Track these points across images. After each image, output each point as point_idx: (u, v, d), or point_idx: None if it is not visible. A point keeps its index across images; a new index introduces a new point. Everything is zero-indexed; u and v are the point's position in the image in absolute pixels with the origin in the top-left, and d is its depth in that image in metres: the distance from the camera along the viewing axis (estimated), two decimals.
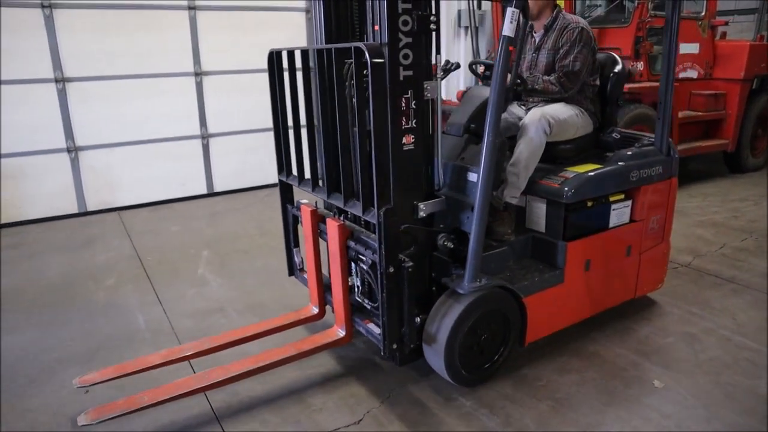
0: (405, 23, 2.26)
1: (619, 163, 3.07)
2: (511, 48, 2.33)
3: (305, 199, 3.09)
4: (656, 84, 5.84)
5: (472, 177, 2.63)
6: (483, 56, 7.69)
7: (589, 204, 2.97)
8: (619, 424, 2.50)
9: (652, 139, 3.28)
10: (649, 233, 3.28)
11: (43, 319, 3.56)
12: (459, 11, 7.59)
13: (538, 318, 2.86)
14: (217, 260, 4.49)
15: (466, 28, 7.62)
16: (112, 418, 2.36)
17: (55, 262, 4.55)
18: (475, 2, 7.36)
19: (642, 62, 5.82)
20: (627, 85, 5.54)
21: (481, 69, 3.05)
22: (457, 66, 2.99)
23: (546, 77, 3.00)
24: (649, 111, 5.66)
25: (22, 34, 5.27)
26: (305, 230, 2.96)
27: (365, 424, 2.53)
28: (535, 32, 3.23)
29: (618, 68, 3.31)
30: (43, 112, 5.53)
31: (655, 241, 3.35)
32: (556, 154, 3.12)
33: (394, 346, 2.55)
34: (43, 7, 5.29)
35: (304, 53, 2.92)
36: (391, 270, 2.43)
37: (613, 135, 3.22)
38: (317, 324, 3.16)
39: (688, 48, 6.24)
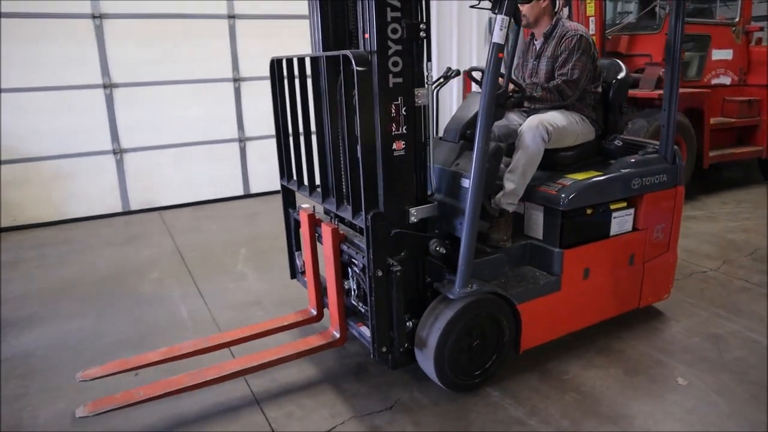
0: (394, 31, 2.26)
1: (621, 171, 3.00)
2: (500, 55, 2.33)
3: (308, 203, 3.11)
4: (687, 90, 5.95)
5: (466, 183, 2.60)
6: (513, 64, 7.77)
7: (589, 211, 2.90)
8: (642, 417, 2.52)
9: (657, 147, 3.20)
10: (653, 242, 3.19)
11: (96, 308, 3.76)
12: (490, 19, 7.49)
13: (534, 325, 2.80)
14: (254, 257, 4.63)
15: None
16: (109, 410, 2.41)
17: (104, 256, 4.76)
18: None
19: None
20: (657, 91, 5.51)
21: (479, 75, 2.99)
22: (457, 73, 3.00)
23: (545, 85, 2.97)
24: (681, 117, 5.55)
25: (75, 42, 5.54)
26: (303, 234, 2.97)
27: (396, 409, 2.61)
28: (536, 40, 3.20)
29: (621, 75, 3.23)
30: (92, 116, 5.78)
31: (660, 250, 3.25)
32: (556, 162, 3.06)
33: (384, 349, 2.54)
34: (93, 17, 5.55)
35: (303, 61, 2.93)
36: (380, 274, 2.42)
37: (615, 142, 3.15)
38: (316, 326, 3.17)
39: (721, 54, 6.12)
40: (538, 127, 2.83)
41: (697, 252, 4.48)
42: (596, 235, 2.97)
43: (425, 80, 2.42)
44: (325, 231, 2.71)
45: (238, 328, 3.07)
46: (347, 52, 2.28)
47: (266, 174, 6.61)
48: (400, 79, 2.33)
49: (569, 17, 5.84)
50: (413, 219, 2.50)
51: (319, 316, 3.08)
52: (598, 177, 2.94)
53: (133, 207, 6.13)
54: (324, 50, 2.69)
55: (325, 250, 2.73)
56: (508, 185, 2.86)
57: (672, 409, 2.58)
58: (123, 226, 5.70)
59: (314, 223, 2.90)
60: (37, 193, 5.71)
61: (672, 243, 3.31)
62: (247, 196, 6.66)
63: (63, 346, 3.27)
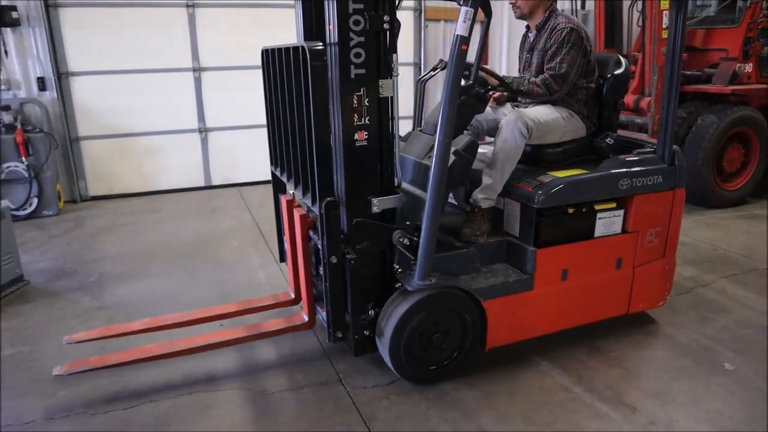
0: (356, 23, 2.23)
1: (608, 170, 2.81)
2: (464, 47, 2.23)
3: None
4: (764, 86, 5.66)
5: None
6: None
7: (570, 211, 2.75)
8: (684, 394, 2.57)
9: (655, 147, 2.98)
10: (645, 247, 2.97)
11: (182, 269, 4.08)
12: (562, 11, 7.46)
13: (502, 323, 2.69)
14: None
15: None
16: (84, 371, 2.54)
17: (189, 225, 5.10)
18: (578, 2, 7.41)
19: (751, 64, 5.44)
20: (732, 87, 5.29)
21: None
22: (445, 66, 2.83)
23: (532, 79, 2.82)
24: (755, 114, 5.36)
25: (170, 29, 5.96)
26: (283, 219, 2.98)
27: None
28: (530, 32, 3.05)
29: (618, 71, 3.03)
30: (181, 97, 6.18)
31: (654, 255, 3.03)
32: (543, 158, 2.92)
33: (339, 335, 2.54)
34: (187, 6, 5.96)
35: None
36: (334, 260, 2.40)
37: (607, 140, 2.96)
38: (295, 308, 3.16)
39: None
40: (516, 122, 2.70)
41: (761, 250, 4.32)
42: (577, 235, 2.80)
43: (391, 72, 2.37)
44: (295, 216, 2.71)
45: (219, 305, 3.14)
46: (303, 43, 2.29)
47: None
48: (362, 71, 2.29)
49: (642, 11, 5.73)
50: (375, 209, 2.46)
51: (297, 299, 3.06)
52: (580, 175, 2.77)
53: (215, 182, 6.50)
54: (306, 40, 2.66)
55: (297, 235, 2.73)
56: (486, 180, 2.77)
57: (715, 389, 2.60)
58: (205, 199, 6.07)
59: (293, 209, 2.87)
60: (130, 166, 6.19)
61: (669, 249, 3.06)
62: None
63: (153, 298, 3.58)
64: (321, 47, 2.29)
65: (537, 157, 2.93)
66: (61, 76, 5.74)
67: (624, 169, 2.82)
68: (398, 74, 2.40)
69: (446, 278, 2.56)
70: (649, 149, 2.98)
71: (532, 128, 2.74)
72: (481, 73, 2.71)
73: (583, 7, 7.38)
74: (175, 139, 6.31)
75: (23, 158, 5.31)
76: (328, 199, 2.36)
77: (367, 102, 2.34)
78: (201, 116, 6.33)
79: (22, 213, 5.30)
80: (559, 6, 7.10)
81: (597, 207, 2.80)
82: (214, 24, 6.14)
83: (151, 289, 3.78)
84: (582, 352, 2.91)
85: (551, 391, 2.61)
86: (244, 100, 6.35)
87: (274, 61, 2.78)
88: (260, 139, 6.50)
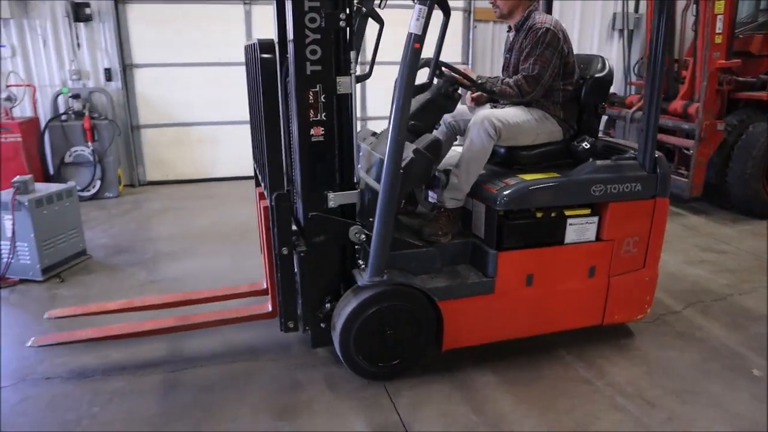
0: (312, 20, 2.24)
1: (580, 175, 2.69)
2: (417, 45, 2.21)
3: None
4: None
5: None
6: (634, 60, 7.45)
7: (539, 215, 2.66)
8: (707, 395, 2.55)
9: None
10: (622, 256, 2.82)
11: (231, 250, 4.28)
12: (614, 14, 7.22)
13: (459, 325, 2.63)
14: None
15: (621, 30, 7.31)
16: (56, 344, 2.74)
17: (239, 211, 5.22)
18: (632, 5, 7.32)
19: None
20: None
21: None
22: (425, 64, 2.74)
23: (506, 80, 2.72)
24: None
25: (229, 25, 6.24)
26: (256, 210, 3.02)
27: (479, 356, 2.80)
28: (511, 32, 2.95)
29: (599, 73, 2.88)
30: (235, 90, 6.27)
31: (633, 266, 2.87)
32: (515, 160, 2.83)
33: (291, 325, 2.54)
34: (244, 3, 6.27)
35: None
36: (284, 252, 2.42)
37: (583, 144, 2.81)
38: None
39: None
40: (483, 123, 2.63)
41: None
42: (545, 240, 2.70)
43: (350, 69, 2.38)
44: (260, 207, 2.74)
45: (194, 291, 3.26)
46: (255, 40, 2.32)
47: None
48: (318, 67, 2.30)
49: (696, 14, 5.64)
50: (331, 204, 2.47)
51: (267, 289, 3.05)
52: (548, 179, 2.67)
53: None
54: (278, 37, 2.67)
55: (261, 226, 2.77)
56: (452, 180, 2.71)
57: (739, 393, 2.56)
58: (254, 187, 6.51)
59: (261, 201, 2.87)
60: (185, 154, 6.51)
61: (650, 260, 2.89)
62: None
63: (202, 275, 3.77)
64: (270, 41, 2.32)
65: (510, 159, 2.84)
66: (126, 67, 6.09)
67: (597, 175, 2.69)
68: (356, 72, 2.41)
69: (401, 276, 2.52)
70: (629, 156, 2.84)
71: (500, 129, 2.65)
72: (452, 73, 2.67)
73: (636, 10, 7.31)
74: (228, 130, 6.54)
75: (89, 143, 5.71)
76: (278, 191, 2.38)
77: (324, 98, 2.36)
78: None
79: (86, 194, 5.68)
80: (612, 8, 7.22)
81: (568, 213, 2.69)
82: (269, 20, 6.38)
83: (201, 267, 4.00)
84: (607, 348, 2.92)
85: (573, 382, 2.66)
86: None
87: (248, 56, 2.83)
88: None
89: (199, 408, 2.48)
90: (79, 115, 5.74)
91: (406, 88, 2.25)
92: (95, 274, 3.87)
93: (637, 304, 2.97)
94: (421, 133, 2.62)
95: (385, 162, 2.29)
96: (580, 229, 2.73)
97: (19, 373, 2.70)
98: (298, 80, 2.31)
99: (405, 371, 2.65)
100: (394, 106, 2.26)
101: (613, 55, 7.44)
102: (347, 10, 2.34)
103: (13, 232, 3.60)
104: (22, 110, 5.79)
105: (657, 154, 2.79)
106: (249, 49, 2.78)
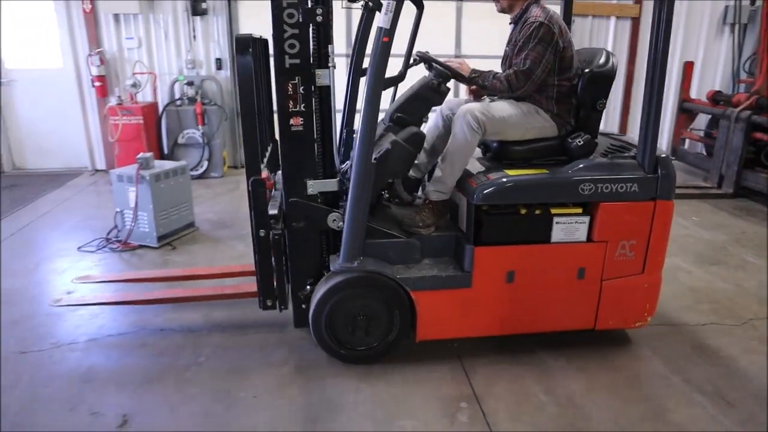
0: (290, 16, 2.32)
1: (567, 173, 2.56)
2: (385, 39, 2.22)
3: None
4: None
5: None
6: (746, 55, 6.88)
7: (523, 211, 2.57)
8: None
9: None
10: (617, 260, 2.64)
11: None
12: (726, 7, 6.74)
13: (434, 317, 2.60)
14: None
15: (732, 24, 6.83)
16: (77, 305, 3.05)
17: None
18: None
19: None
20: None
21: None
22: (420, 62, 2.77)
23: (498, 74, 2.64)
24: None
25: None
26: None
27: (557, 347, 2.83)
28: (510, 24, 2.85)
29: (601, 68, 2.68)
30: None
31: (629, 271, 2.68)
32: (507, 155, 2.73)
33: (269, 303, 2.63)
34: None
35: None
36: (261, 233, 2.51)
37: (577, 141, 2.66)
38: None
39: None
40: (465, 116, 2.56)
41: None
42: (529, 238, 2.59)
43: (328, 62, 2.44)
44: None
45: (209, 267, 3.57)
46: (237, 35, 2.43)
47: None
48: (297, 60, 2.38)
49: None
50: (310, 191, 2.54)
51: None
52: (531, 175, 2.57)
53: None
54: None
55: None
56: (437, 172, 2.67)
57: None
58: None
59: None
60: None
61: (650, 266, 2.68)
62: None
63: None
64: (247, 37, 2.43)
65: (501, 154, 2.75)
66: (235, 57, 6.57)
67: (588, 173, 2.54)
68: (334, 65, 2.45)
69: (374, 263, 2.52)
70: (629, 155, 2.66)
71: (483, 122, 2.57)
72: (440, 67, 2.65)
73: (752, 3, 6.86)
74: None
75: (199, 126, 6.18)
76: (255, 177, 2.47)
77: (302, 90, 2.42)
78: None
79: (194, 173, 6.09)
80: (723, 2, 6.78)
81: (554, 211, 2.57)
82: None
83: None
84: (686, 346, 2.86)
85: (647, 375, 2.63)
86: None
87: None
88: None
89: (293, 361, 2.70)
90: (191, 100, 6.24)
91: (375, 81, 2.27)
92: (201, 245, 4.21)
93: (635, 310, 2.77)
94: (407, 125, 2.64)
95: (356, 152, 2.33)
96: (568, 228, 2.60)
97: (139, 324, 3.05)
98: (278, 72, 2.40)
99: (379, 357, 2.65)
100: (364, 99, 2.29)
101: (722, 51, 6.98)
102: (324, 6, 2.39)
103: (136, 203, 4.01)
104: (144, 96, 6.35)
105: (663, 153, 2.60)
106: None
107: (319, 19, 2.37)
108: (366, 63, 2.63)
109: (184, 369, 2.65)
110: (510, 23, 2.85)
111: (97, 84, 6.16)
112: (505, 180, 2.55)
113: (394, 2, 2.21)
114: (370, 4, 2.65)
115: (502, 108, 2.67)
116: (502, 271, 2.61)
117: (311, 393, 2.49)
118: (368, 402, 2.43)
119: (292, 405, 2.41)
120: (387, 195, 2.96)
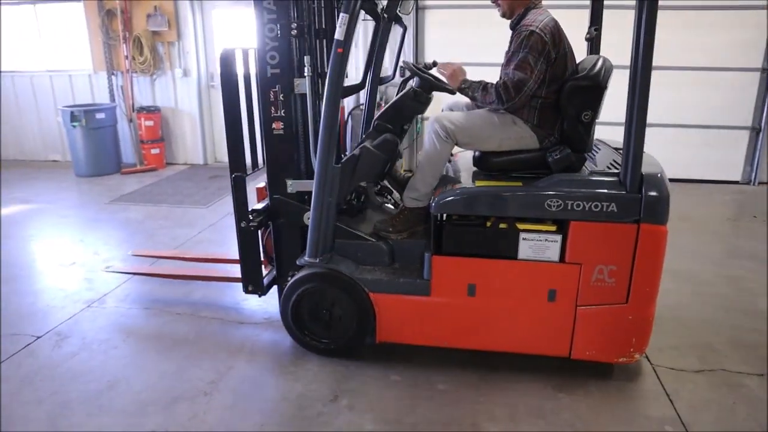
0: (271, 30, 2.50)
1: (536, 186, 2.30)
2: (339, 50, 2.25)
3: None
4: None
5: None
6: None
7: (488, 224, 2.38)
8: None
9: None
10: (593, 285, 2.32)
11: None
12: None
13: (394, 320, 2.55)
14: None
15: None
16: (125, 272, 3.53)
17: None
18: None
19: None
20: None
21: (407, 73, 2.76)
22: (434, 64, 2.78)
23: (488, 84, 2.41)
24: None
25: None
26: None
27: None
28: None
29: (585, 79, 2.35)
30: None
31: (610, 299, 2.33)
32: (486, 166, 2.56)
33: (250, 288, 2.84)
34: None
35: None
36: (243, 225, 2.70)
37: (554, 154, 2.38)
38: None
39: None
40: (433, 125, 2.46)
41: None
42: (492, 252, 2.40)
43: (305, 72, 2.52)
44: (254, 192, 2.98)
45: (213, 252, 3.99)
46: (223, 49, 2.59)
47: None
48: (277, 70, 2.55)
49: None
50: (290, 189, 2.70)
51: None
52: (493, 187, 2.38)
53: None
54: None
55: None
56: (411, 180, 2.61)
57: None
58: None
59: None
60: None
61: (635, 296, 2.29)
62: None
63: None
64: (232, 50, 2.57)
65: (482, 164, 2.58)
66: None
67: (556, 189, 2.27)
68: (311, 74, 2.53)
69: (337, 262, 2.55)
70: (611, 171, 2.32)
71: (452, 132, 2.42)
72: (427, 75, 2.60)
73: None
74: None
75: None
76: (237, 174, 2.67)
77: (282, 97, 2.57)
78: None
79: None
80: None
81: (521, 226, 2.34)
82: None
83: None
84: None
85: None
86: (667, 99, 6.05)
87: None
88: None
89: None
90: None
91: (333, 88, 2.30)
92: None
93: (618, 343, 2.41)
94: (385, 132, 2.63)
95: (317, 156, 2.38)
96: (537, 245, 2.37)
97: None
98: (261, 81, 2.57)
99: (342, 351, 2.69)
100: (325, 103, 2.32)
101: None
102: (300, 21, 2.51)
103: None
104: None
105: (657, 172, 2.25)
106: None
107: (294, 32, 2.50)
108: (384, 72, 2.95)
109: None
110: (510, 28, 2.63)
111: None
112: (466, 191, 2.42)
113: (347, 16, 2.25)
114: (385, 16, 2.85)
115: (474, 118, 2.52)
116: (462, 284, 2.47)
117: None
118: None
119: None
120: (391, 198, 2.99)
